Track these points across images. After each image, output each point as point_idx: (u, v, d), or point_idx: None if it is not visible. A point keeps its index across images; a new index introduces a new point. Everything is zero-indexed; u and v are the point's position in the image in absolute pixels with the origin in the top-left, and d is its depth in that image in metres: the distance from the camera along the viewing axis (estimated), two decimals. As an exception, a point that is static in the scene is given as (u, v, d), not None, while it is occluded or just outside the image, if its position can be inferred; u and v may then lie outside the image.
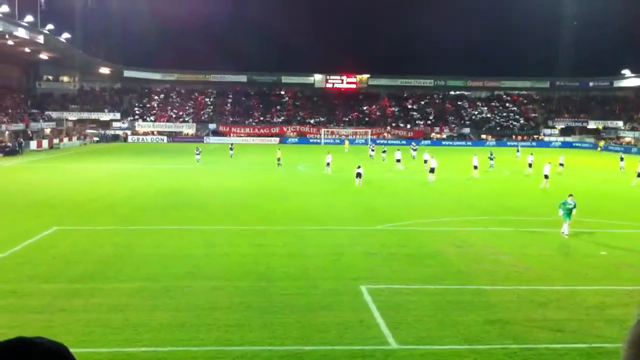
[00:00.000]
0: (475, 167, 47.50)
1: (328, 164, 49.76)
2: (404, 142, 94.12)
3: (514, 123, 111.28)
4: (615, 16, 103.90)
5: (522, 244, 22.61)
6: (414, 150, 66.11)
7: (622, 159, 56.66)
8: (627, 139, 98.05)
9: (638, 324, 1.16)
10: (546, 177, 41.16)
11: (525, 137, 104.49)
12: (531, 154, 53.24)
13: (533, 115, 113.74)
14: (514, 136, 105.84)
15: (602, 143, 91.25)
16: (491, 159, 55.26)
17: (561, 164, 52.72)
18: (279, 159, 54.78)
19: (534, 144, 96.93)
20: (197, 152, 58.69)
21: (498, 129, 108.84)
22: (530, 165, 50.43)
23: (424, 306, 15.10)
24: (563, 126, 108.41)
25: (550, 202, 33.96)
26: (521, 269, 19.07)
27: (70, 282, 16.84)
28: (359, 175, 41.05)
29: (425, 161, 54.95)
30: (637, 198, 37.17)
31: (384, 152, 64.39)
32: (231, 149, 67.95)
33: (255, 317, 14.13)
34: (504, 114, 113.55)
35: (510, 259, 20.25)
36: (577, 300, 15.84)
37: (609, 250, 21.45)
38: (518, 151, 70.91)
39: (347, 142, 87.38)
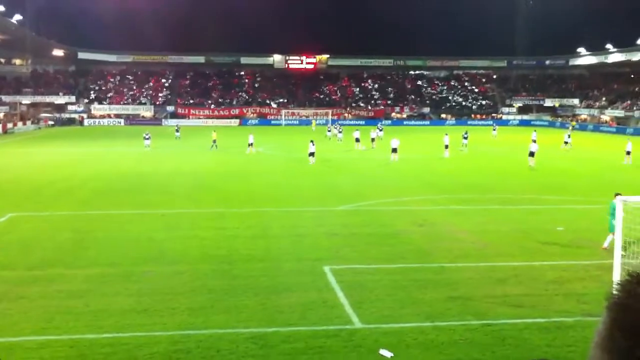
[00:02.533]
0: (447, 147, 47.70)
1: (251, 144, 49.91)
2: (362, 122, 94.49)
3: (473, 102, 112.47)
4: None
5: (482, 222, 22.90)
6: (380, 130, 64.72)
7: (569, 136, 57.96)
8: (582, 117, 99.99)
9: (604, 326, 1.18)
10: (531, 154, 40.69)
11: (483, 116, 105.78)
12: (535, 131, 55.72)
13: (491, 94, 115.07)
14: (472, 115, 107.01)
15: (574, 123, 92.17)
16: (465, 138, 54.82)
17: (566, 142, 54.54)
18: (214, 141, 53.05)
19: (491, 122, 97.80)
20: (147, 137, 53.49)
21: (457, 108, 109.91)
22: (534, 141, 50.62)
23: (386, 285, 15.20)
24: (520, 104, 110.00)
25: (514, 181, 34.58)
26: (481, 245, 19.33)
27: (28, 269, 16.49)
28: (312, 154, 41.27)
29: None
30: (594, 175, 37.95)
31: (340, 132, 64.43)
32: (177, 130, 66.37)
33: (219, 300, 14.06)
34: (463, 93, 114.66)
35: (471, 237, 20.49)
36: (536, 276, 16.12)
37: (567, 226, 21.85)
38: (494, 129, 71.74)
39: (314, 121, 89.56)
